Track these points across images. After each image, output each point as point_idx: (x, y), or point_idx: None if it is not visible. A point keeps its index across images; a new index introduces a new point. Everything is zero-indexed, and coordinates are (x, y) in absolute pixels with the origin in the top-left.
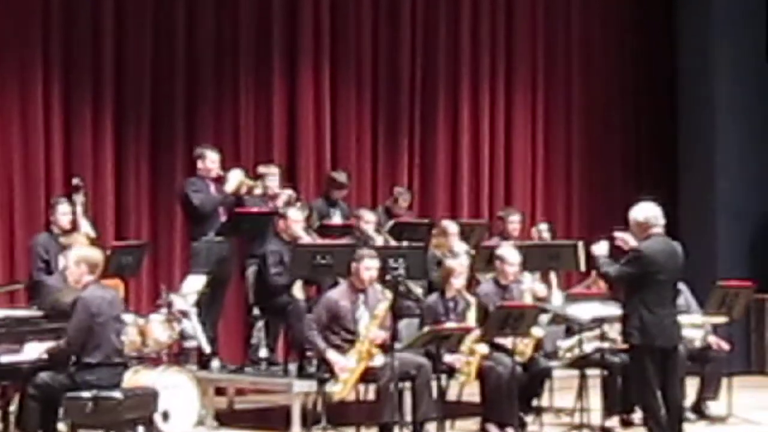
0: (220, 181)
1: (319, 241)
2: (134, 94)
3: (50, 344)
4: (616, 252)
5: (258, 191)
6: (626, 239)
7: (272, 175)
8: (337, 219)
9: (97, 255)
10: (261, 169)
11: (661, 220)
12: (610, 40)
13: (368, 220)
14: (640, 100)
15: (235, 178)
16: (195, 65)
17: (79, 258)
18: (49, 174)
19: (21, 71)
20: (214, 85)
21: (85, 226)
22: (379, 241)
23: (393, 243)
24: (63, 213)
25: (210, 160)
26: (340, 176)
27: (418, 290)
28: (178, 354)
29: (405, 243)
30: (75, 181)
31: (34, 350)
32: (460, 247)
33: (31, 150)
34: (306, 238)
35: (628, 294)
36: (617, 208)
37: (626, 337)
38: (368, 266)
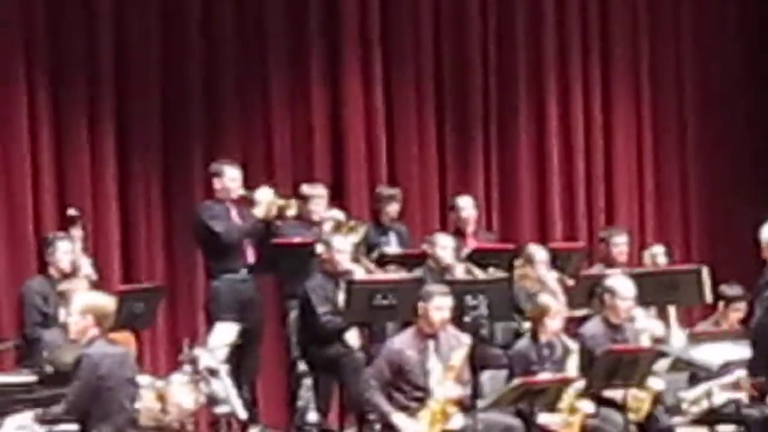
0: (242, 203)
1: (378, 275)
2: (140, 102)
3: (38, 411)
4: None
5: (291, 212)
6: None
7: (319, 197)
8: (392, 246)
9: (107, 304)
10: (305, 190)
11: None
12: (727, 16)
13: (444, 245)
14: None
15: (265, 200)
16: (215, 66)
17: (85, 307)
18: (39, 207)
19: None
20: (239, 90)
21: (85, 266)
22: (459, 270)
23: (479, 273)
24: (64, 252)
25: (229, 178)
26: (386, 189)
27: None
28: (214, 423)
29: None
30: (71, 211)
31: (20, 420)
32: (550, 278)
33: (15, 178)
34: (357, 272)
35: None
36: (747, 223)
37: None
38: (439, 306)
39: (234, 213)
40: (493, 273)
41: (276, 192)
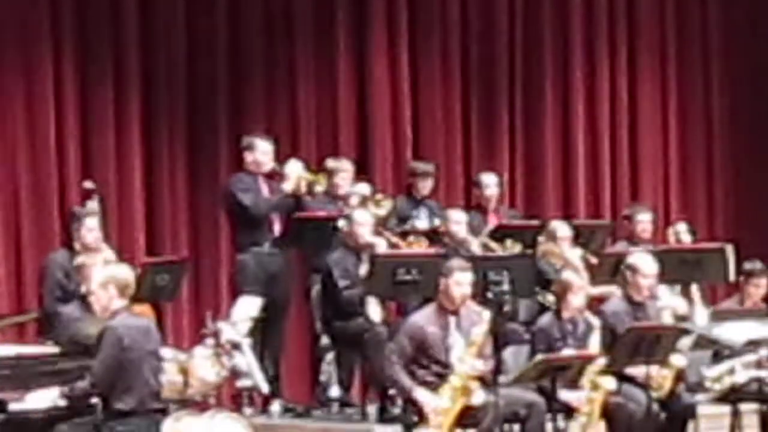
0: (273, 177)
1: (402, 249)
2: (166, 76)
3: (66, 386)
4: None
5: (320, 188)
6: None
7: (344, 171)
8: (422, 221)
9: (127, 273)
10: (330, 164)
11: None
12: None
13: (457, 220)
14: None
15: (294, 174)
16: (241, 39)
17: (105, 279)
18: (64, 180)
19: (24, 53)
20: (265, 64)
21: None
22: (474, 246)
23: (496, 248)
24: (90, 229)
25: (261, 152)
26: (421, 164)
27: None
28: (236, 396)
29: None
30: (87, 184)
31: (47, 395)
32: (573, 254)
33: (41, 152)
34: (380, 245)
35: None
36: None
37: None
38: (459, 281)
39: (264, 186)
40: (511, 247)
41: (305, 166)
